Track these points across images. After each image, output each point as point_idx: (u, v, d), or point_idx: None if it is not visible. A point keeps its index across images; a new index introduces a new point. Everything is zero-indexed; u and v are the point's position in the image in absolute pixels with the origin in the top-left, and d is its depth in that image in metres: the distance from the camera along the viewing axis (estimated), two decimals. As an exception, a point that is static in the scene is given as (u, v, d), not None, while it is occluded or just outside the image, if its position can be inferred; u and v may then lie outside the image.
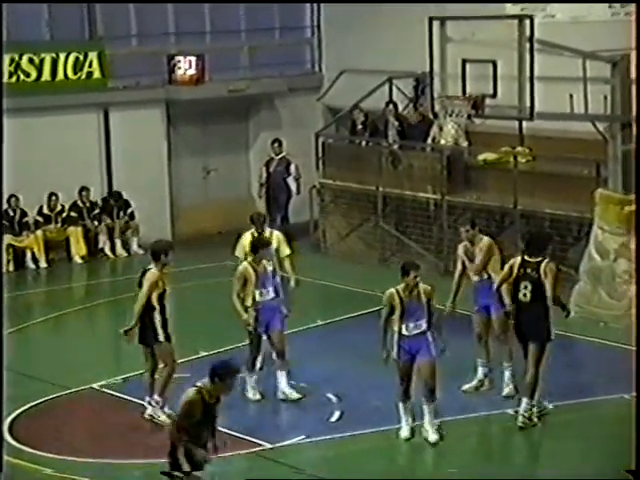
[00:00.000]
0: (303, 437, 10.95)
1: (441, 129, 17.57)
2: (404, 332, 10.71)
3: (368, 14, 19.33)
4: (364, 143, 18.76)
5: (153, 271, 11.24)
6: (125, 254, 18.99)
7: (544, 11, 16.64)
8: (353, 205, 18.48)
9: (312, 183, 19.05)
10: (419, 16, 14.69)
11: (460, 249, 12.00)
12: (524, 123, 16.09)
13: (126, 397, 12.11)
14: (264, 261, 11.79)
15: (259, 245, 11.85)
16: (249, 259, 11.84)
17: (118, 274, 18.23)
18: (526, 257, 11.13)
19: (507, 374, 11.83)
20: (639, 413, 9.73)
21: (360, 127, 18.76)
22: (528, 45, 12.96)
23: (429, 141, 17.93)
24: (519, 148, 16.84)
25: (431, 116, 17.31)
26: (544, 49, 13.27)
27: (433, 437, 10.80)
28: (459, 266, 12.02)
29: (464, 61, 13.41)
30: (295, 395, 11.82)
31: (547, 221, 15.95)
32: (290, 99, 20.37)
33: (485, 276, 11.89)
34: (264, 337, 11.91)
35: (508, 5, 17.00)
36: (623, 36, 14.42)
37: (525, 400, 10.97)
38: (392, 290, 10.80)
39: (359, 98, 18.64)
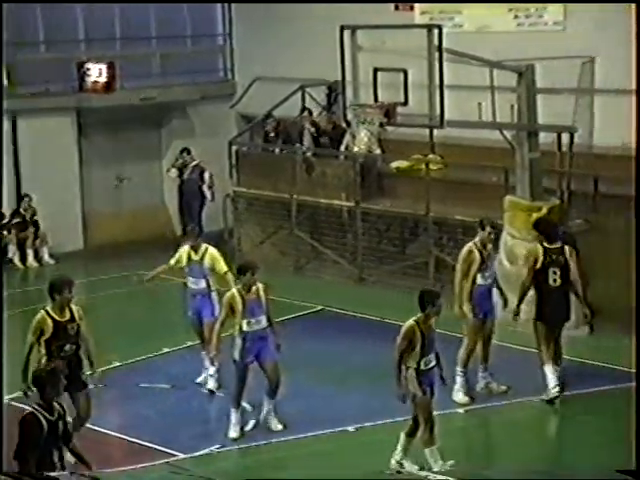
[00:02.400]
0: (218, 446, 11.11)
1: (354, 137, 17.93)
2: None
3: (280, 22, 19.61)
4: (278, 151, 19.02)
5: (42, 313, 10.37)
6: (36, 264, 18.95)
7: (452, 21, 17.12)
8: (267, 213, 18.71)
9: (226, 191, 19.25)
10: (331, 24, 14.99)
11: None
12: (435, 131, 16.46)
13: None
14: (254, 286, 11.18)
15: (248, 268, 11.25)
16: (238, 286, 11.25)
17: (28, 285, 18.18)
18: (547, 245, 11.83)
19: (461, 380, 12.10)
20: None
21: (273, 135, 19.04)
22: (437, 54, 13.31)
23: (342, 149, 18.28)
24: (431, 156, 17.20)
25: (344, 124, 17.78)
26: (453, 58, 13.65)
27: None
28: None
29: (375, 69, 13.65)
30: (278, 426, 11.38)
31: (459, 227, 16.36)
32: (203, 107, 20.54)
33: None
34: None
35: (417, 15, 17.44)
36: (528, 46, 14.97)
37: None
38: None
39: (272, 106, 18.91)
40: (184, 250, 12.81)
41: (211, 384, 12.53)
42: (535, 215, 14.37)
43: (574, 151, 14.94)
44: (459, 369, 12.10)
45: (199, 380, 12.71)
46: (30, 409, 8.09)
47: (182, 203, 19.50)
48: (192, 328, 12.88)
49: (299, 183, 18.09)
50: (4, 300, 10.77)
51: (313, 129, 18.53)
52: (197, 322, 12.70)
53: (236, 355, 11.14)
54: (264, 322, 11.19)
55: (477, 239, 12.28)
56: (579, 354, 13.07)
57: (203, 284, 12.58)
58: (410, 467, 10.30)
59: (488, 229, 12.17)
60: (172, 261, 12.92)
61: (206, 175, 19.31)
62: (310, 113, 18.83)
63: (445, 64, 13.30)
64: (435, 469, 10.17)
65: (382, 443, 11.07)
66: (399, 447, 10.38)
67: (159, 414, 11.74)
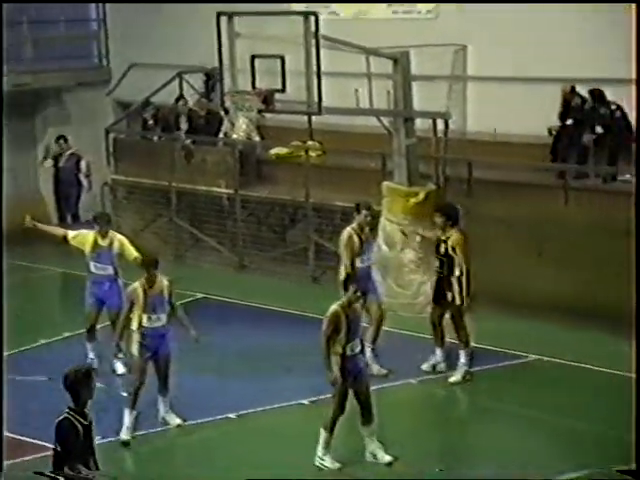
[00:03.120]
0: (99, 437, 11.12)
1: (232, 124, 18.04)
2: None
3: (156, 7, 19.48)
4: (156, 138, 18.98)
5: None
6: None
7: (328, 8, 17.30)
8: (146, 201, 18.68)
9: (104, 179, 19.12)
10: (208, 11, 15.02)
11: None
12: (313, 117, 16.60)
13: None
14: (157, 282, 11.10)
15: (149, 263, 11.20)
16: (141, 279, 11.13)
17: None
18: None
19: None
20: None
21: (151, 122, 18.99)
22: (314, 41, 13.45)
23: (221, 136, 18.34)
24: (309, 142, 17.40)
25: (222, 111, 17.83)
26: (330, 45, 13.81)
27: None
28: None
29: (253, 56, 13.75)
30: (176, 420, 11.36)
31: (338, 213, 16.58)
32: (78, 93, 20.33)
33: None
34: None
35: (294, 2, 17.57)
36: (403, 34, 15.25)
37: None
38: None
39: (149, 93, 18.84)
40: (89, 235, 12.67)
41: (120, 369, 12.57)
42: (412, 200, 14.71)
43: (449, 137, 15.27)
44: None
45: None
46: (65, 414, 7.93)
47: (58, 192, 19.30)
48: (89, 315, 12.76)
49: (178, 171, 18.10)
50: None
51: (186, 118, 18.52)
52: (97, 309, 12.69)
53: (134, 351, 11.05)
54: (164, 319, 11.13)
55: (355, 223, 12.54)
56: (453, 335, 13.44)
57: (110, 270, 12.59)
58: (331, 464, 10.29)
59: (364, 212, 12.46)
60: (70, 234, 12.80)
61: (83, 163, 19.16)
62: (185, 101, 18.78)
63: (322, 51, 13.45)
64: (319, 454, 10.34)
65: (264, 429, 11.29)
66: (320, 442, 10.34)
67: (36, 407, 11.56)
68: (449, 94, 15.09)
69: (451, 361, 12.62)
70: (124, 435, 11.05)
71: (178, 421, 11.31)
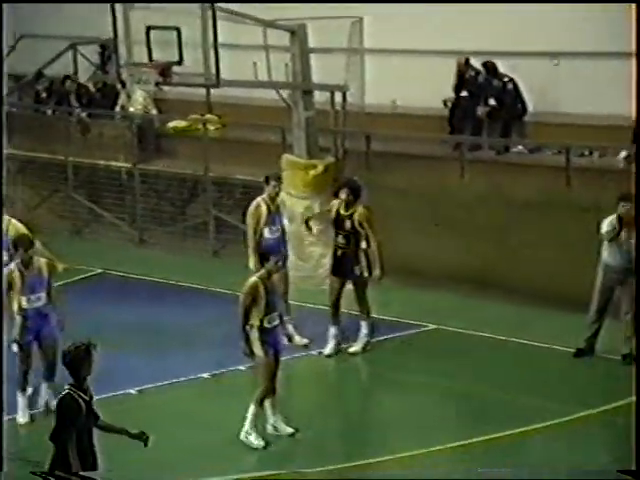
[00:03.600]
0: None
1: (129, 97, 17.91)
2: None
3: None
4: (50, 112, 18.75)
5: None
6: None
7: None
8: (42, 176, 18.44)
9: (-4, 154, 18.82)
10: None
11: None
12: (212, 90, 16.61)
13: None
14: (34, 262, 10.85)
15: (21, 243, 10.94)
16: (16, 261, 10.90)
17: None
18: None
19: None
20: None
21: (44, 95, 18.74)
22: (210, 12, 13.41)
23: (118, 109, 18.20)
24: (208, 115, 17.35)
25: (118, 84, 17.68)
26: (227, 17, 13.79)
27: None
28: None
29: (148, 27, 13.61)
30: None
31: (238, 187, 16.63)
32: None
33: None
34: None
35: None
36: (300, 6, 15.28)
37: None
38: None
39: (42, 65, 18.57)
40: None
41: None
42: (312, 173, 14.83)
43: (347, 110, 15.39)
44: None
45: None
46: (67, 390, 7.93)
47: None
48: None
49: (74, 145, 17.90)
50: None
51: (75, 94, 18.38)
52: None
53: (16, 334, 10.86)
54: (44, 299, 10.96)
55: (265, 194, 12.64)
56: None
57: (4, 257, 12.15)
58: (256, 440, 10.28)
59: (273, 183, 12.57)
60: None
61: (-28, 137, 18.82)
62: (73, 79, 18.55)
63: (219, 23, 13.38)
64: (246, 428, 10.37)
65: (165, 404, 11.34)
66: (248, 417, 10.33)
67: None
68: (347, 67, 15.21)
69: (351, 332, 12.79)
70: (21, 418, 10.96)
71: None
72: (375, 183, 14.51)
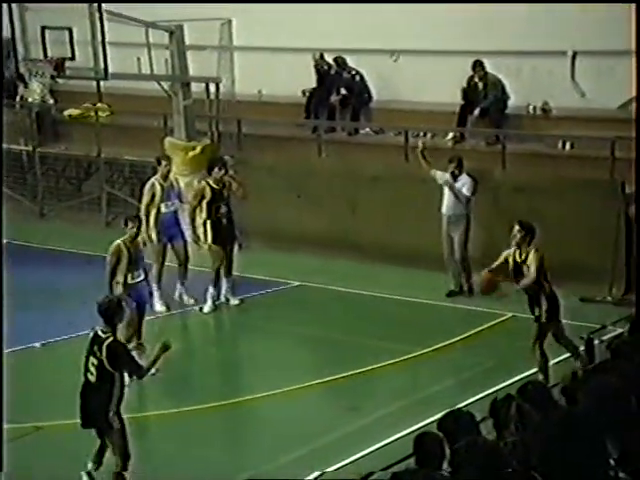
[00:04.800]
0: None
1: (27, 88, 17.42)
2: (129, 281, 10.42)
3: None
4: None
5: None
6: None
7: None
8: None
9: None
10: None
11: None
12: (102, 82, 16.24)
13: None
14: None
15: None
16: None
17: None
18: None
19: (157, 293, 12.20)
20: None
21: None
22: (98, 14, 13.14)
23: (17, 99, 17.65)
24: (99, 104, 17.00)
25: (16, 77, 17.19)
26: (113, 18, 13.51)
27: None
28: None
29: (43, 27, 13.43)
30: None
31: (127, 166, 16.36)
32: None
33: None
34: None
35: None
36: (178, 8, 15.06)
37: None
38: (118, 241, 10.43)
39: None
40: None
41: None
42: (191, 153, 14.65)
43: (220, 98, 15.26)
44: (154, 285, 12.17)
45: None
46: (111, 338, 7.79)
47: None
48: None
49: (-21, 131, 17.30)
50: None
51: None
52: None
53: None
54: None
55: (158, 174, 12.40)
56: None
57: None
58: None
59: (164, 163, 12.38)
60: None
61: None
62: None
63: (107, 23, 13.22)
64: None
65: (67, 356, 11.04)
66: None
67: None
68: (219, 61, 15.09)
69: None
70: None
71: None
72: (246, 162, 14.45)
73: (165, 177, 12.42)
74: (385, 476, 6.18)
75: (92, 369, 7.83)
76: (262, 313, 12.43)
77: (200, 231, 12.28)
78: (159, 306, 12.29)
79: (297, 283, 13.29)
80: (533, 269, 9.36)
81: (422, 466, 5.76)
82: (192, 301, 12.59)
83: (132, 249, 10.25)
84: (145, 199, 12.33)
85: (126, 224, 10.44)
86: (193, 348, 11.85)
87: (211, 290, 12.42)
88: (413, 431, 8.21)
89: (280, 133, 15.27)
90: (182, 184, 14.50)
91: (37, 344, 11.28)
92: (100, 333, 7.92)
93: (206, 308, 12.41)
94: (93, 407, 7.89)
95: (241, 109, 15.43)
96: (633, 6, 11.21)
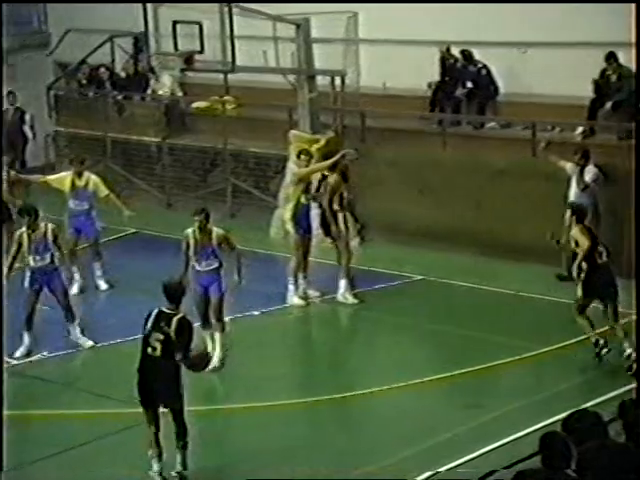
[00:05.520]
0: (45, 353, 11.04)
1: (158, 81, 17.83)
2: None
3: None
4: (91, 94, 18.65)
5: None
6: None
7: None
8: (85, 149, 18.25)
9: (47, 131, 18.76)
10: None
11: None
12: (229, 75, 16.46)
13: None
14: (42, 225, 10.97)
15: (29, 212, 11.03)
16: (24, 228, 10.98)
17: None
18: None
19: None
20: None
21: (85, 82, 18.69)
22: (227, 9, 13.35)
23: (149, 92, 18.10)
24: (226, 97, 17.18)
25: (149, 71, 17.62)
26: (241, 12, 13.71)
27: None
28: None
29: (174, 22, 13.65)
30: (89, 343, 11.24)
31: (252, 158, 16.58)
32: (22, 55, 19.79)
33: None
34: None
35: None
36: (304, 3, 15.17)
37: None
38: (189, 230, 10.84)
39: (84, 55, 18.46)
40: (68, 176, 12.86)
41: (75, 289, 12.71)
42: (315, 146, 14.72)
43: (345, 91, 15.29)
44: (290, 279, 12.31)
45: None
46: (181, 314, 8.20)
47: (7, 142, 18.84)
48: (70, 242, 12.77)
49: (112, 123, 17.85)
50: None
51: (110, 81, 18.26)
52: (76, 237, 12.86)
53: (26, 284, 10.96)
54: (48, 258, 10.97)
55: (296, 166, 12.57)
56: (354, 261, 13.62)
57: (85, 206, 12.82)
58: None
59: (303, 157, 12.48)
60: (50, 177, 13.04)
61: (27, 117, 18.70)
62: (107, 68, 18.42)
63: (235, 18, 13.38)
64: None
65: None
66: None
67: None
68: (345, 54, 15.11)
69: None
70: (18, 353, 10.92)
71: (90, 343, 11.20)
72: (369, 155, 14.43)
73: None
74: (508, 474, 6.08)
75: (156, 344, 8.11)
76: (383, 307, 12.38)
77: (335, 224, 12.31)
78: (295, 299, 12.35)
79: (418, 277, 13.21)
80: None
81: (548, 466, 5.64)
82: (317, 294, 12.64)
83: (199, 238, 10.53)
84: (286, 190, 12.55)
85: (195, 214, 10.65)
86: (316, 340, 11.93)
87: (344, 282, 12.41)
88: (535, 430, 8.09)
89: (404, 126, 15.19)
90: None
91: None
92: (165, 310, 8.26)
93: (350, 299, 12.38)
94: (162, 381, 8.15)
95: (365, 102, 15.41)
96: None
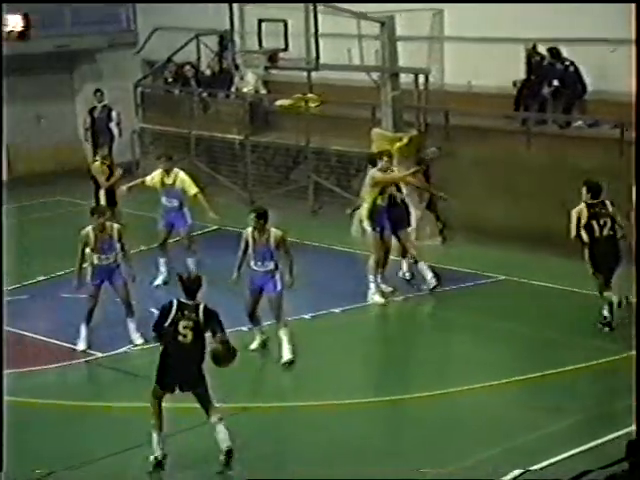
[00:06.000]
0: (130, 346, 11.20)
1: (242, 79, 17.95)
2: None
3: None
4: (177, 92, 18.87)
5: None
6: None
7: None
8: (170, 146, 18.50)
9: (133, 128, 19.05)
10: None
11: None
12: (312, 73, 16.50)
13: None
14: (109, 225, 11.15)
15: (98, 212, 11.25)
16: (92, 225, 11.13)
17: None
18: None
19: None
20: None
21: (171, 80, 18.91)
22: (312, 7, 13.36)
23: (233, 89, 18.23)
24: (309, 94, 17.24)
25: (233, 68, 17.74)
26: (326, 10, 13.71)
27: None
28: None
29: (260, 20, 13.69)
30: (140, 340, 11.27)
31: (334, 156, 16.59)
32: (110, 53, 20.20)
33: None
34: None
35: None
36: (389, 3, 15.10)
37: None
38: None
39: (171, 52, 18.69)
40: (158, 174, 13.08)
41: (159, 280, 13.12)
42: (397, 144, 14.65)
43: (429, 89, 15.20)
44: (370, 277, 12.34)
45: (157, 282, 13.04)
46: (203, 303, 8.54)
47: (94, 138, 19.20)
48: (161, 235, 13.12)
49: (196, 120, 18.04)
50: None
51: (195, 78, 18.42)
52: (167, 231, 13.11)
53: (88, 279, 11.14)
54: (113, 257, 11.14)
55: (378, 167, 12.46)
56: (435, 260, 13.52)
57: (176, 203, 13.00)
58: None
59: (385, 158, 12.45)
60: (147, 178, 13.28)
61: (114, 114, 19.01)
62: (192, 66, 18.59)
63: (319, 16, 13.36)
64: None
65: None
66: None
67: (80, 320, 11.52)
68: (429, 52, 15.00)
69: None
70: (81, 345, 11.11)
71: (141, 340, 11.16)
72: (452, 154, 14.30)
73: (385, 170, 12.47)
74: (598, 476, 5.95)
75: (186, 332, 8.40)
76: (463, 307, 12.25)
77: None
78: (376, 297, 12.34)
79: (502, 277, 13.06)
80: None
81: (634, 473, 5.50)
82: (390, 289, 12.61)
83: (256, 238, 10.59)
84: (364, 189, 12.49)
85: (252, 213, 10.76)
86: (395, 339, 11.86)
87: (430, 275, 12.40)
88: (618, 437, 7.91)
89: (488, 125, 15.02)
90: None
91: (245, 328, 11.49)
92: (184, 301, 8.52)
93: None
94: (191, 365, 8.45)
95: (449, 100, 15.29)
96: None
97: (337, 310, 12.07)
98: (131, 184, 13.55)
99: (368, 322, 12.12)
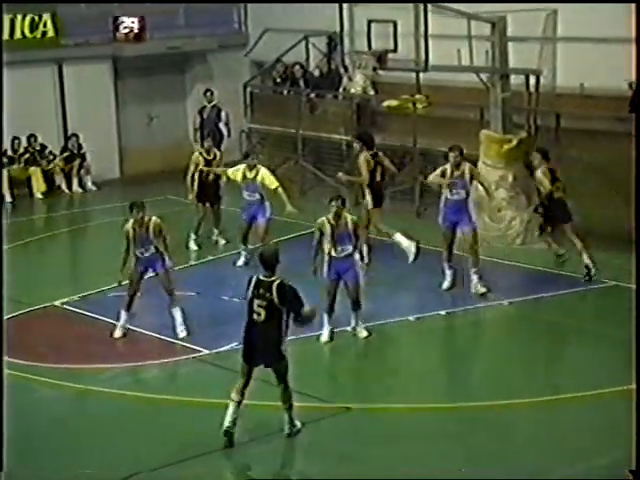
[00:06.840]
0: (236, 343, 11.27)
1: (351, 80, 17.92)
2: (333, 254, 11.01)
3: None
4: (285, 92, 18.97)
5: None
6: (81, 190, 19.12)
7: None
8: (277, 146, 18.70)
9: (241, 128, 19.24)
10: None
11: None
12: (421, 74, 16.38)
13: (83, 313, 12.29)
14: (147, 219, 11.24)
15: (139, 208, 11.34)
16: (132, 221, 11.28)
17: (74, 208, 18.36)
18: None
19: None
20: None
21: (279, 80, 19.02)
22: (422, 7, 13.24)
23: (341, 90, 18.22)
24: (417, 96, 17.12)
25: (342, 69, 17.73)
26: (436, 10, 13.57)
27: (363, 333, 11.26)
28: None
29: (369, 21, 13.66)
30: (183, 334, 11.39)
31: (441, 158, 16.34)
32: (220, 54, 20.47)
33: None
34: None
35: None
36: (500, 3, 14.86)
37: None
38: (323, 218, 11.10)
39: (280, 53, 18.81)
40: (241, 168, 13.54)
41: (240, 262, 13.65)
42: (506, 146, 14.40)
43: (540, 91, 14.88)
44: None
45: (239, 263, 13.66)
46: (279, 279, 8.60)
47: (203, 138, 19.46)
48: (242, 229, 13.65)
49: (304, 120, 18.09)
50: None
51: (303, 79, 18.52)
52: (248, 224, 13.56)
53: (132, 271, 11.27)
54: (152, 249, 11.17)
55: (450, 162, 12.62)
56: (542, 263, 13.19)
57: (257, 196, 13.39)
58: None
59: (453, 154, 12.52)
60: (229, 171, 13.77)
61: (223, 114, 19.23)
62: (301, 66, 18.71)
63: (429, 16, 13.25)
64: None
65: (392, 341, 11.48)
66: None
67: (188, 317, 11.70)
68: (540, 53, 14.69)
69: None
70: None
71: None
72: (563, 156, 13.99)
73: (457, 165, 12.46)
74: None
75: (260, 310, 8.52)
76: (573, 311, 11.98)
77: None
78: (480, 287, 12.32)
79: (612, 283, 12.69)
80: None
81: None
82: (483, 290, 12.38)
83: (336, 224, 10.82)
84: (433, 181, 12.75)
85: (332, 200, 10.99)
86: (500, 342, 11.62)
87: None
88: None
89: (601, 127, 14.60)
90: (495, 177, 14.45)
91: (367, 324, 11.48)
92: (262, 278, 8.58)
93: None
94: (268, 344, 8.53)
95: (561, 102, 14.95)
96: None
97: (442, 312, 11.92)
98: (213, 169, 14.17)
99: (477, 324, 11.95)
